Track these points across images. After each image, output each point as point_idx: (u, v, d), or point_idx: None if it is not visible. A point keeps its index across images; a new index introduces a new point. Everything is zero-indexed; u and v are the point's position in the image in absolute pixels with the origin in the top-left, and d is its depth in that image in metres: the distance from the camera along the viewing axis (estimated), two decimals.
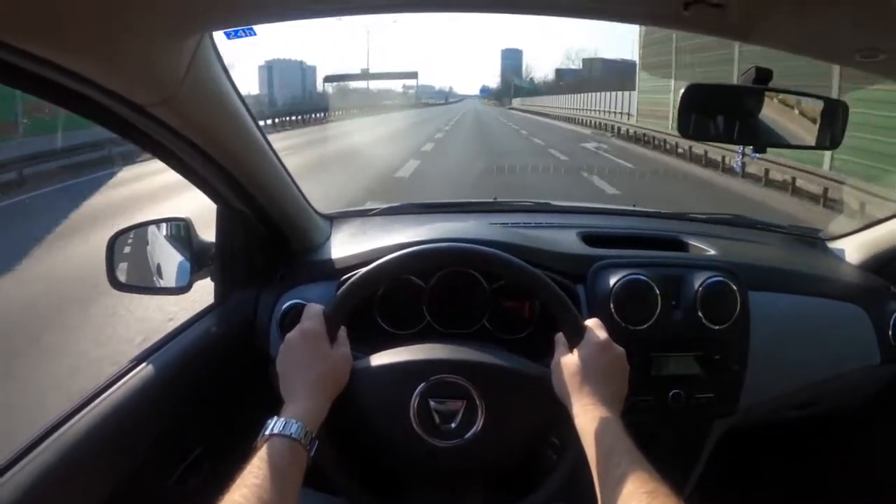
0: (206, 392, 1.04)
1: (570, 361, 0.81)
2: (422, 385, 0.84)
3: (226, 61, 0.82)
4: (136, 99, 0.72)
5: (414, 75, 67.14)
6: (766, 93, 0.90)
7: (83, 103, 0.71)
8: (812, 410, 1.31)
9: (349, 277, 0.95)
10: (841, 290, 1.27)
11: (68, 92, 0.67)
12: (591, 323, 0.86)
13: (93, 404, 0.84)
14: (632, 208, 1.67)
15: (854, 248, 1.37)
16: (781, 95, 0.92)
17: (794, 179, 8.88)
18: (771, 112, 0.91)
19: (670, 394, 1.11)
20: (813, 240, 1.48)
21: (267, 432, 0.72)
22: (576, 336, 0.83)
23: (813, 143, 0.95)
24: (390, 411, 0.84)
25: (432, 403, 0.84)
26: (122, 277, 1.10)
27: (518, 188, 7.61)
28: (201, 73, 0.76)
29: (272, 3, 0.68)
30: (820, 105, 0.94)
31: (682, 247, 1.30)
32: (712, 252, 1.25)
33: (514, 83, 79.75)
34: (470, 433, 0.83)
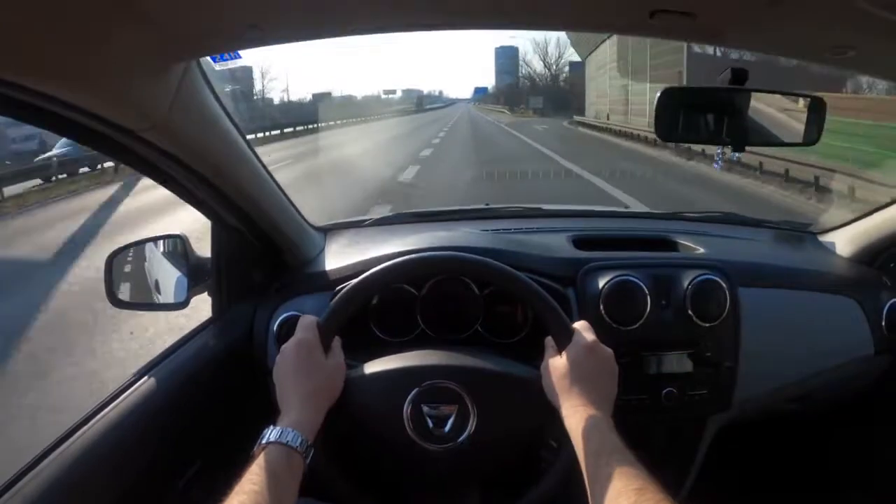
0: (206, 406, 1.05)
1: (558, 364, 0.83)
2: (414, 391, 0.85)
3: None
4: (126, 125, 0.74)
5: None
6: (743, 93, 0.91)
7: (76, 130, 0.73)
8: (807, 404, 1.31)
9: (342, 288, 0.97)
10: (833, 282, 1.27)
11: (61, 119, 0.69)
12: (579, 325, 0.87)
13: (94, 419, 0.85)
14: (624, 210, 1.68)
15: (845, 241, 1.38)
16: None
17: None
18: (750, 112, 0.92)
19: (664, 392, 1.12)
20: (803, 234, 1.48)
21: (264, 441, 0.74)
22: (564, 338, 0.85)
23: (792, 141, 0.96)
24: (385, 418, 0.86)
25: (425, 409, 0.85)
26: (121, 295, 1.12)
27: None
28: (189, 97, 0.78)
29: (255, 30, 0.69)
30: (798, 102, 0.96)
31: (672, 246, 1.31)
32: (702, 250, 1.26)
33: None
34: (463, 436, 0.84)
